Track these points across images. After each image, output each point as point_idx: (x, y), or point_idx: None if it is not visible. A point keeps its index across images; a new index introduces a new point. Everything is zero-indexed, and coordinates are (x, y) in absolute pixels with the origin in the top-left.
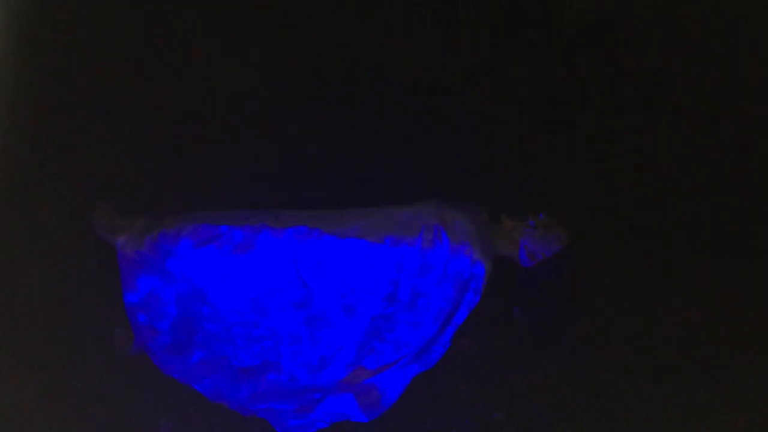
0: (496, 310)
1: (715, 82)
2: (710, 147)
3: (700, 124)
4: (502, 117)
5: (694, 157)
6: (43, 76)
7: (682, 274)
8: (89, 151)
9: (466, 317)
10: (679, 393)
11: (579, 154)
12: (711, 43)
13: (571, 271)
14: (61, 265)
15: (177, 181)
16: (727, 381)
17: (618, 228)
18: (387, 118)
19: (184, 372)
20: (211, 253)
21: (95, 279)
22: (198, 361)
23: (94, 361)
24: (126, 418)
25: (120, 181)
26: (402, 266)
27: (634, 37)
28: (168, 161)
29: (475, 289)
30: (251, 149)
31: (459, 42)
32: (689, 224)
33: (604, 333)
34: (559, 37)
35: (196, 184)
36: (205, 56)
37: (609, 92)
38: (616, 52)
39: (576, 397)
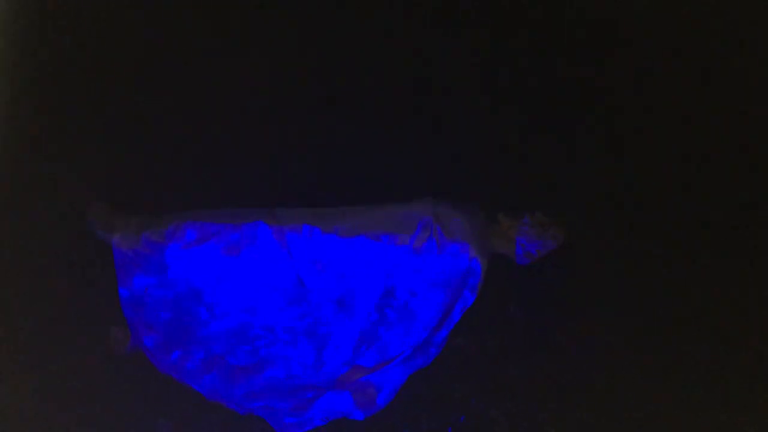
0: (492, 308)
1: (714, 82)
2: (709, 146)
3: (699, 122)
4: (500, 116)
5: (693, 155)
6: (40, 74)
7: (679, 272)
8: (85, 149)
9: (463, 315)
10: (677, 391)
11: (576, 153)
12: (711, 43)
13: (567, 269)
14: (57, 263)
15: (173, 179)
16: (726, 380)
17: (614, 226)
18: (384, 117)
19: (180, 370)
20: (208, 251)
21: (91, 277)
22: (194, 360)
23: (90, 359)
24: (123, 417)
25: (116, 180)
26: (398, 264)
27: (634, 36)
28: (164, 159)
29: (472, 287)
30: (248, 148)
31: (456, 40)
32: (686, 222)
33: (599, 331)
34: (556, 36)
35: (193, 183)
36: (203, 55)
37: (607, 91)
38: (614, 52)
39: (572, 394)
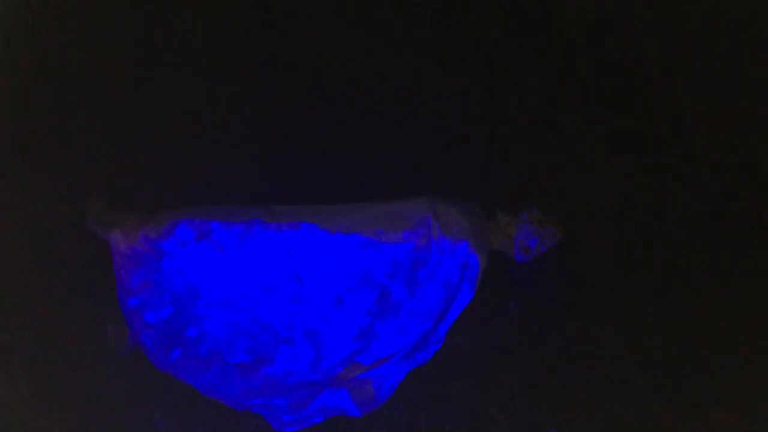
0: (490, 305)
1: (715, 82)
2: (710, 146)
3: (699, 123)
4: (498, 113)
5: (692, 154)
6: (38, 72)
7: (678, 269)
8: (82, 146)
9: (461, 312)
10: (676, 389)
11: (574, 150)
12: (711, 43)
13: (566, 266)
14: (53, 260)
15: (171, 176)
16: (725, 378)
17: (613, 222)
18: (383, 115)
19: (178, 367)
20: (205, 248)
21: (88, 274)
22: (192, 357)
23: (87, 357)
24: (120, 414)
25: (113, 177)
26: (396, 261)
27: (633, 36)
28: (162, 156)
29: (470, 283)
30: (245, 144)
31: (456, 40)
32: (685, 220)
33: (598, 328)
34: (555, 35)
35: (190, 180)
36: (201, 52)
37: (607, 90)
38: (613, 51)
39: (571, 392)
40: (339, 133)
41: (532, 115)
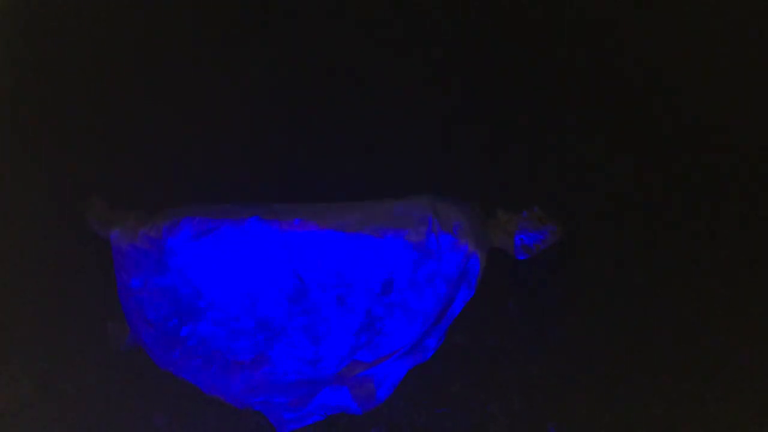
0: (491, 303)
1: (715, 81)
2: (710, 145)
3: (700, 122)
4: (498, 113)
5: (692, 154)
6: (38, 72)
7: (679, 269)
8: (82, 144)
9: (461, 311)
10: (675, 388)
11: (575, 149)
12: (710, 42)
13: (566, 265)
14: (53, 258)
15: (171, 174)
16: (725, 378)
17: (614, 221)
18: (383, 113)
19: (178, 365)
20: (206, 246)
21: (88, 273)
22: (192, 355)
23: (87, 354)
24: (119, 411)
25: (114, 174)
26: (396, 259)
27: (633, 36)
28: (162, 155)
29: (470, 281)
30: (245, 142)
31: (456, 39)
32: (685, 219)
33: (599, 327)
34: (555, 35)
35: (191, 178)
36: (200, 51)
37: (606, 89)
38: (613, 51)
39: (571, 391)
40: (339, 132)
41: (532, 114)
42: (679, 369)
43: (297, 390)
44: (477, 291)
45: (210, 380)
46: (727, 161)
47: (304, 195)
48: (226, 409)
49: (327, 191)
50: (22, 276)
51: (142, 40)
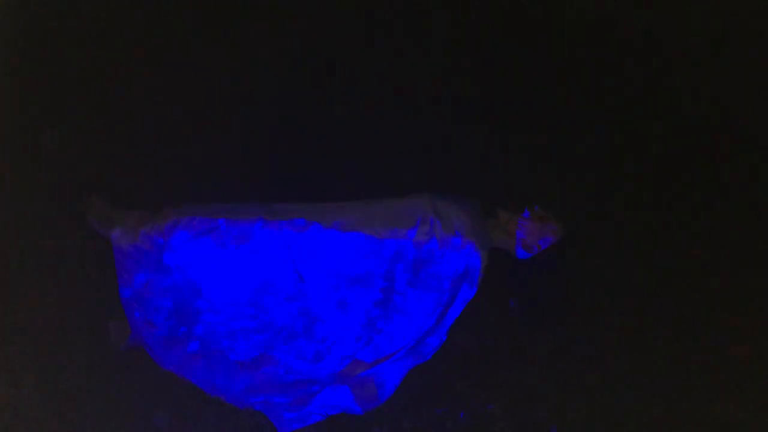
0: (491, 302)
1: (716, 81)
2: (710, 145)
3: (700, 122)
4: (499, 111)
5: (693, 154)
6: (38, 72)
7: (681, 271)
8: (84, 144)
9: (463, 310)
10: (675, 387)
11: (575, 149)
12: (710, 42)
13: (566, 264)
14: (56, 259)
15: (172, 174)
16: (725, 377)
17: (614, 220)
18: (384, 113)
19: (180, 365)
20: (207, 246)
21: (90, 273)
22: (194, 355)
23: (89, 354)
24: (121, 411)
25: (115, 175)
26: (397, 259)
27: (633, 36)
28: (163, 155)
29: (471, 281)
30: (247, 143)
31: (456, 39)
32: (685, 219)
33: (598, 326)
34: (555, 35)
35: (192, 178)
36: (201, 51)
37: (606, 88)
38: (612, 50)
39: (571, 390)
40: (340, 132)
41: (532, 114)
42: (679, 369)
43: (298, 389)
44: (478, 290)
45: (211, 380)
46: (727, 161)
47: (304, 195)
48: (227, 409)
49: (327, 191)
50: (22, 276)
51: (142, 40)
